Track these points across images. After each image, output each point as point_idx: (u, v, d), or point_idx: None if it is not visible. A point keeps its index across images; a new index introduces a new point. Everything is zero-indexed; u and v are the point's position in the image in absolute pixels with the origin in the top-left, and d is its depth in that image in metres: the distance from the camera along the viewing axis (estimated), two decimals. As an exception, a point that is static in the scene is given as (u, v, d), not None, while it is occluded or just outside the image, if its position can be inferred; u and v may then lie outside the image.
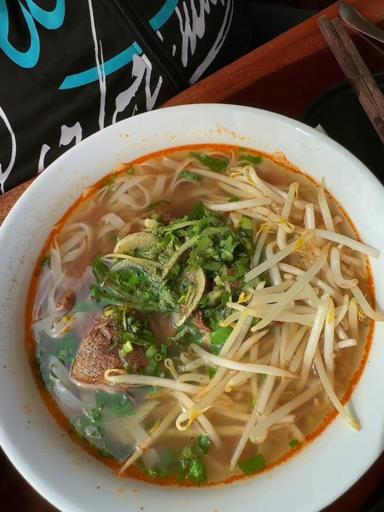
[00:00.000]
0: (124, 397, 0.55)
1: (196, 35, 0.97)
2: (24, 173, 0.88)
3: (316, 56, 0.95)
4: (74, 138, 0.87)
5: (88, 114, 0.87)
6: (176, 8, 0.90)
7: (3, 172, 0.86)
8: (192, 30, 0.95)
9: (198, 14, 0.96)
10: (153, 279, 0.61)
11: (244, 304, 0.55)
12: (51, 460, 0.49)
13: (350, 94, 0.84)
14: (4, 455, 0.48)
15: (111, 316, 0.58)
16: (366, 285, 0.57)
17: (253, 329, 0.52)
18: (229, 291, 0.57)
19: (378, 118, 0.77)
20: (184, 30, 0.93)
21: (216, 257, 0.59)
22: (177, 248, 0.60)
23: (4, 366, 0.55)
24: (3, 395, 0.53)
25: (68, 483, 0.47)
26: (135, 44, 0.86)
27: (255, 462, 0.49)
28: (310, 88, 0.88)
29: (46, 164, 0.87)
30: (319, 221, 0.60)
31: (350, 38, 0.89)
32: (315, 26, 0.97)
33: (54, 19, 0.76)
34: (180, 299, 0.57)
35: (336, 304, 0.54)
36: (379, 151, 0.76)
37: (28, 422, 0.52)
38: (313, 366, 0.53)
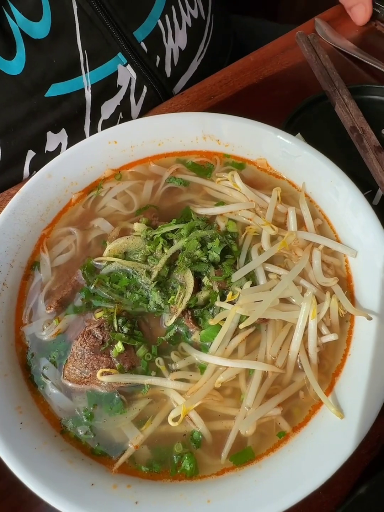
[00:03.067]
0: (116, 397, 0.56)
1: (179, 47, 1.00)
2: (9, 178, 0.88)
3: (294, 69, 1.00)
4: (60, 144, 0.88)
5: (74, 121, 0.88)
6: (159, 21, 0.94)
7: None
8: (175, 42, 0.98)
9: (180, 27, 0.99)
10: (142, 281, 0.62)
11: (232, 303, 0.57)
12: (45, 459, 0.50)
13: (327, 105, 0.88)
14: (-2, 456, 0.49)
15: (102, 318, 0.59)
16: (346, 283, 0.60)
17: (241, 326, 0.54)
18: (217, 291, 0.59)
19: (353, 127, 0.82)
20: (167, 41, 0.96)
21: (204, 258, 0.61)
22: (166, 250, 0.62)
23: (-6, 366, 0.56)
24: (-5, 397, 0.53)
25: (63, 482, 0.48)
26: (120, 54, 0.88)
27: (245, 454, 0.51)
28: (289, 99, 0.92)
29: (32, 170, 0.88)
30: (300, 223, 0.63)
31: (326, 52, 0.94)
32: (293, 41, 1.02)
33: (40, 29, 0.78)
34: (170, 299, 0.59)
35: (318, 301, 0.57)
36: (354, 158, 0.80)
37: (21, 423, 0.52)
38: (298, 361, 0.55)
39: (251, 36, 1.31)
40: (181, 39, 1.00)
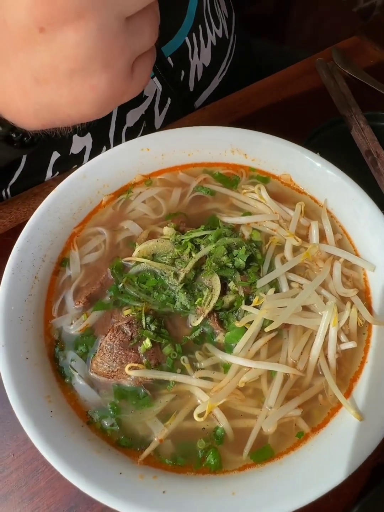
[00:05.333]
0: (142, 391, 0.58)
1: (203, 63, 1.05)
2: (34, 177, 0.91)
3: (311, 93, 1.05)
4: (84, 147, 0.92)
5: (100, 126, 0.91)
6: (187, 38, 0.98)
7: (13, 176, 0.89)
8: (200, 59, 1.04)
9: (206, 45, 1.05)
10: (169, 282, 0.65)
11: (257, 307, 0.60)
12: (74, 447, 0.51)
13: (343, 128, 0.94)
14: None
15: (131, 315, 0.62)
16: (364, 295, 0.63)
17: (267, 329, 0.57)
18: (243, 295, 0.62)
19: (368, 151, 0.87)
20: (192, 58, 1.01)
21: (230, 264, 0.65)
22: (193, 254, 0.65)
23: (27, 358, 0.57)
24: (26, 385, 0.54)
25: (92, 469, 0.49)
26: None
27: (265, 452, 0.54)
28: (307, 121, 0.97)
29: (54, 171, 0.91)
30: (322, 237, 0.67)
31: (343, 80, 1.00)
32: (311, 66, 1.08)
33: None
34: (197, 301, 0.62)
35: (338, 310, 0.60)
36: (369, 180, 0.85)
37: (51, 411, 0.54)
38: (318, 365, 0.58)
39: (269, 59, 1.37)
40: (206, 56, 1.05)
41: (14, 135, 0.67)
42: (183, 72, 1.01)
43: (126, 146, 0.72)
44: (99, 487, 0.47)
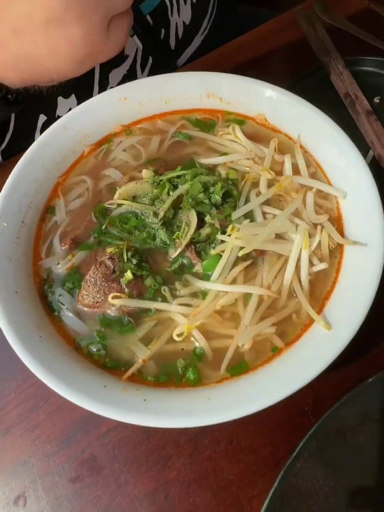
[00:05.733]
0: (126, 319, 0.61)
1: (183, 21, 1.06)
2: (23, 142, 0.94)
3: (293, 44, 1.05)
4: (70, 109, 0.94)
5: (83, 87, 0.94)
6: None
7: (3, 141, 0.92)
8: (180, 17, 1.04)
9: (185, 2, 1.05)
10: (150, 221, 0.68)
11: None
12: (62, 366, 0.55)
13: (323, 75, 0.94)
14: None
15: (113, 251, 0.65)
16: (336, 222, 0.65)
17: (240, 253, 0.60)
18: (218, 228, 0.65)
19: (347, 94, 0.88)
20: (171, 15, 1.02)
21: (206, 201, 0.67)
22: (171, 193, 0.68)
23: (16, 292, 0.61)
24: (17, 315, 0.58)
25: (79, 383, 0.53)
26: None
27: (241, 367, 0.57)
28: (289, 72, 0.98)
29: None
30: (295, 170, 0.69)
31: (323, 28, 1.00)
32: (293, 18, 1.08)
33: None
34: (175, 235, 0.65)
35: (310, 236, 0.62)
36: (350, 123, 0.86)
37: (40, 336, 0.58)
38: (291, 287, 0.61)
39: (254, 18, 1.37)
40: (186, 14, 1.06)
41: None
42: (163, 30, 1.02)
43: (103, 95, 0.75)
44: (84, 395, 0.51)
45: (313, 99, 0.88)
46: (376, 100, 0.91)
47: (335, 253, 0.63)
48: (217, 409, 0.50)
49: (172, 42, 1.05)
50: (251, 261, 0.63)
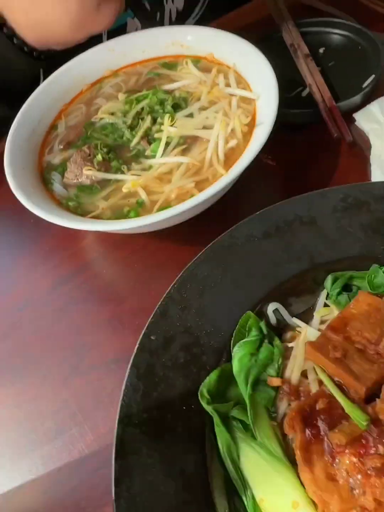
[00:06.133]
0: (95, 186, 0.87)
1: (177, 8, 1.35)
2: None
3: (265, 21, 1.29)
4: None
5: None
6: None
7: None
8: (173, 4, 1.33)
9: None
10: (121, 127, 0.93)
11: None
12: (51, 210, 0.81)
13: (279, 37, 1.16)
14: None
15: (91, 144, 0.91)
16: (252, 117, 0.86)
17: (173, 133, 0.83)
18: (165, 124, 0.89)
19: (292, 45, 1.09)
20: (166, 3, 1.31)
21: (161, 111, 0.92)
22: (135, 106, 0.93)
23: (23, 168, 0.89)
24: (24, 182, 0.85)
25: (58, 214, 0.79)
26: (129, 9, 1.25)
27: (168, 207, 0.78)
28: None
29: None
30: (227, 85, 0.92)
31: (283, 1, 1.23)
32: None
33: None
34: (134, 131, 0.90)
35: (227, 125, 0.84)
36: (294, 68, 1.07)
37: (37, 194, 0.84)
38: (212, 160, 0.82)
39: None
40: (180, 2, 1.35)
41: (25, 48, 1.01)
42: (158, 14, 1.31)
43: (96, 48, 1.04)
44: (59, 218, 0.76)
45: (266, 50, 1.11)
46: (321, 50, 1.12)
47: (247, 136, 0.84)
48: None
49: (166, 24, 1.34)
50: (186, 146, 0.86)
